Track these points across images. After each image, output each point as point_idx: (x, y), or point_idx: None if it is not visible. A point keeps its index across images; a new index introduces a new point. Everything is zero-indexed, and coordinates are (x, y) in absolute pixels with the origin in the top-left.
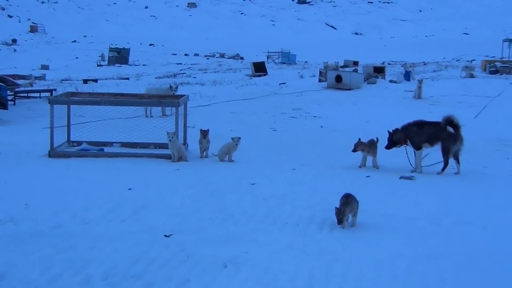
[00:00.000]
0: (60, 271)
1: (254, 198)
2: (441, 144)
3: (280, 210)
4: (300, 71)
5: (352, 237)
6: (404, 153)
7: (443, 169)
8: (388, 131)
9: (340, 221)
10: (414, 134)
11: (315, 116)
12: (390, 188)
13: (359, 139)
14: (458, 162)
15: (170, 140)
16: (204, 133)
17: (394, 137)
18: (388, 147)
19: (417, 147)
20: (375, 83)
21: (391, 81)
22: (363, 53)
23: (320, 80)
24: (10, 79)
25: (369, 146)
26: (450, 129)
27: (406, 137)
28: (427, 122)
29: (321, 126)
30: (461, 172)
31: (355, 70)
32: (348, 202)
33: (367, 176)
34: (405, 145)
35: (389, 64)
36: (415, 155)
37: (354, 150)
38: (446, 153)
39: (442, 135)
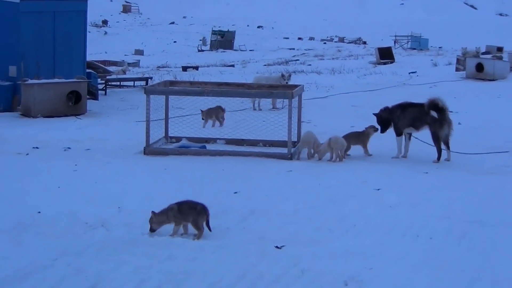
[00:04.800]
0: (158, 284)
1: (379, 206)
2: (429, 130)
3: (410, 220)
4: (433, 58)
5: (497, 252)
6: None
7: (438, 158)
8: (375, 114)
9: (150, 229)
10: (398, 118)
11: (451, 111)
12: None
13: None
14: (448, 148)
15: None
16: None
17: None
18: (383, 130)
19: (398, 132)
20: None
21: None
22: (509, 37)
23: (457, 69)
24: (101, 65)
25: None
26: (434, 114)
27: (390, 120)
28: (411, 104)
29: (459, 123)
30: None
31: (500, 58)
32: (171, 209)
33: None
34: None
35: None
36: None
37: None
38: (435, 140)
39: (427, 118)
